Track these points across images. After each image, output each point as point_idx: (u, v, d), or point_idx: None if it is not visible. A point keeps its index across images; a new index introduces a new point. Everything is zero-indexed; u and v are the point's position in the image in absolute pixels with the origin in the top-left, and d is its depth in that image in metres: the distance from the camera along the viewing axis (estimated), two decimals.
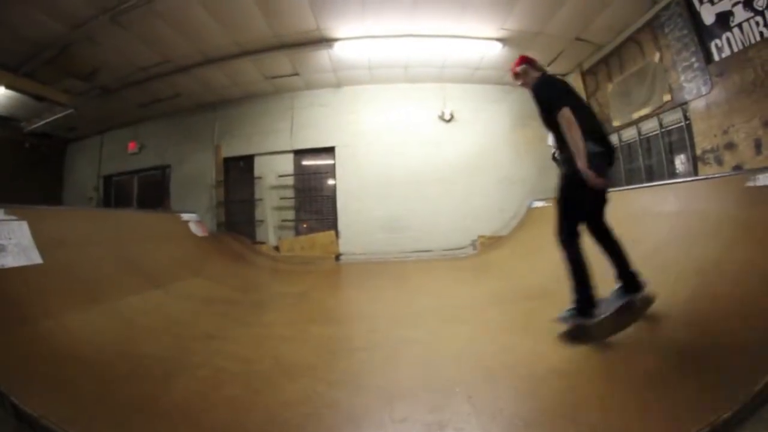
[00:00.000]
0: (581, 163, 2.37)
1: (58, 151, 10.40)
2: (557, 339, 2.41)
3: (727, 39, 4.35)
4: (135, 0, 5.11)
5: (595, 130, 2.57)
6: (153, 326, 2.98)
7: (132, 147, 9.61)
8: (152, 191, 9.58)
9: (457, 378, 2.01)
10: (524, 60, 2.89)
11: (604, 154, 2.51)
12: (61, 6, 5.09)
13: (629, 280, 2.52)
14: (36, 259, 2.88)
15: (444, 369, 2.15)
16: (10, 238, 2.79)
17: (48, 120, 8.58)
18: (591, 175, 2.34)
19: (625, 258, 2.56)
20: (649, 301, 2.48)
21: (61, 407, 1.68)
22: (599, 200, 2.59)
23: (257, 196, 8.75)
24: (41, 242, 3.01)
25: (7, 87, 6.72)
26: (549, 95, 2.66)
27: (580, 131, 2.41)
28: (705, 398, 1.54)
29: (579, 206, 2.57)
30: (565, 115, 2.45)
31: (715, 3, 4.41)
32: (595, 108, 7.16)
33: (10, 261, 2.70)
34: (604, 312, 2.42)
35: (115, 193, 10.04)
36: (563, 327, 2.46)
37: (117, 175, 10.02)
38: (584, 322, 2.41)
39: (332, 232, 8.29)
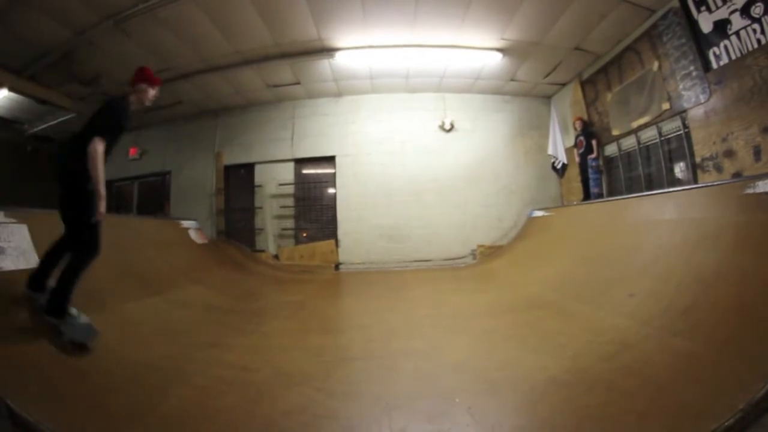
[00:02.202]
0: None
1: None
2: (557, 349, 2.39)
3: (725, 47, 4.38)
4: (138, 7, 5.16)
5: None
6: (151, 334, 2.96)
7: (133, 153, 9.62)
8: (152, 197, 9.58)
9: (457, 388, 1.99)
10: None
11: None
12: (65, 11, 5.13)
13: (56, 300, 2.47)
14: (35, 262, 2.87)
15: (443, 379, 2.13)
16: (9, 241, 2.78)
17: (50, 123, 8.63)
18: None
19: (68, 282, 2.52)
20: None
21: (57, 413, 1.66)
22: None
23: (257, 204, 8.75)
24: (41, 246, 2.99)
25: (11, 89, 6.76)
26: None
27: None
28: (706, 406, 1.52)
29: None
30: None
31: (713, 11, 4.45)
32: (595, 117, 7.19)
33: (9, 264, 2.69)
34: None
35: (115, 199, 10.03)
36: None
37: (117, 181, 10.02)
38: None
39: (332, 241, 8.27)
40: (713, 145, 4.72)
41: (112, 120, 2.61)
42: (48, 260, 2.60)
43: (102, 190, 2.52)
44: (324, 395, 1.99)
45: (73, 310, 2.49)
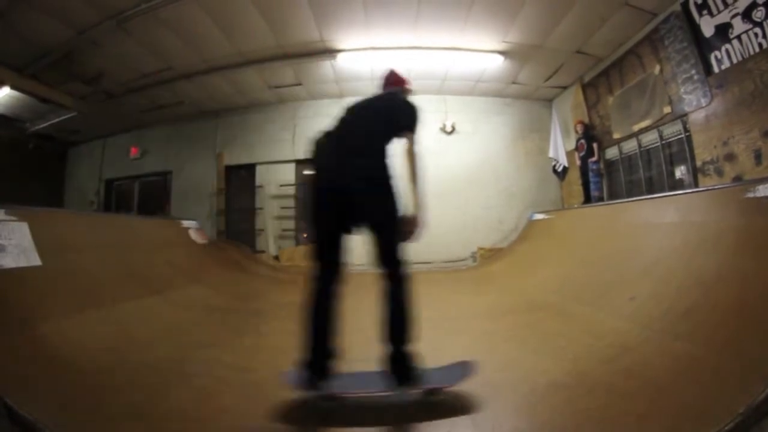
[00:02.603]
0: None
1: (60, 154, 10.46)
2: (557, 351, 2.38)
3: (727, 51, 4.38)
4: (140, 7, 5.18)
5: None
6: (150, 333, 2.95)
7: (134, 152, 9.65)
8: (153, 197, 9.59)
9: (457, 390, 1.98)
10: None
11: None
12: (67, 10, 5.16)
13: (399, 360, 1.92)
14: (35, 261, 2.87)
15: None
16: (10, 239, 2.78)
17: (52, 122, 8.67)
18: None
19: (402, 324, 1.97)
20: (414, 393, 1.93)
21: (56, 412, 1.66)
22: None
23: (258, 205, 8.76)
24: (41, 244, 3.00)
25: (13, 87, 6.79)
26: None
27: None
28: (706, 409, 1.52)
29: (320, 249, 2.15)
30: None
31: (715, 15, 4.46)
32: (596, 120, 7.20)
33: (10, 262, 2.69)
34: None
35: (115, 198, 10.06)
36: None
37: (118, 180, 10.05)
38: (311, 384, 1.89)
39: None
40: (714, 148, 4.72)
41: (418, 120, 2.16)
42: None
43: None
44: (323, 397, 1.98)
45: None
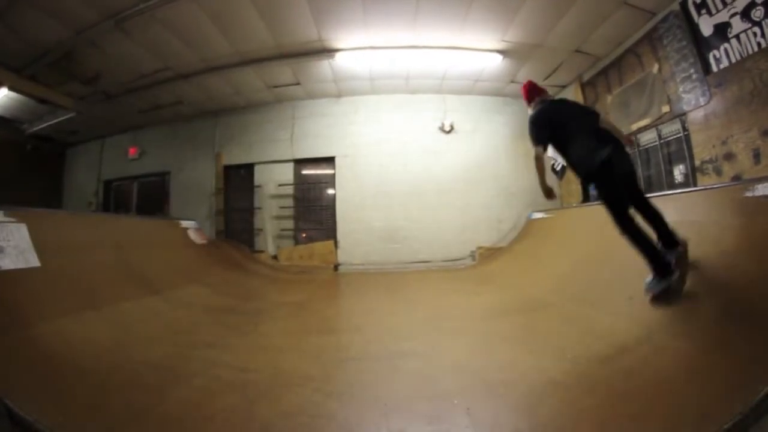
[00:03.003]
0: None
1: (59, 154, 10.44)
2: (556, 353, 2.38)
3: (725, 50, 4.39)
4: (139, 7, 5.16)
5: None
6: (150, 333, 2.95)
7: (132, 152, 9.64)
8: (152, 197, 9.59)
9: (456, 390, 1.98)
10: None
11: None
12: (65, 10, 5.14)
13: (669, 238, 2.76)
14: (34, 262, 2.87)
15: (442, 381, 2.13)
16: (8, 240, 2.77)
17: (50, 123, 8.65)
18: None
19: (665, 222, 2.82)
20: (686, 248, 2.74)
21: (55, 413, 1.66)
22: (623, 185, 2.80)
23: (257, 204, 8.76)
24: (40, 245, 3.00)
25: (11, 88, 6.77)
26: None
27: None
28: (705, 409, 1.52)
29: (610, 197, 2.77)
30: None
31: (713, 14, 4.46)
32: None
33: (8, 263, 2.69)
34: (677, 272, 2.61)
35: (114, 198, 10.05)
36: (650, 294, 2.70)
37: (117, 180, 10.04)
38: (670, 281, 2.56)
39: (331, 242, 8.28)
40: (713, 148, 4.72)
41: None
42: (653, 220, 2.84)
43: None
44: (323, 396, 1.98)
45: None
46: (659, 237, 2.79)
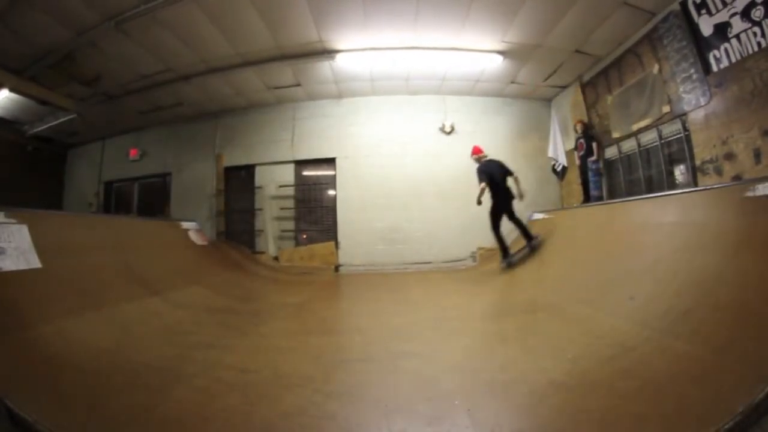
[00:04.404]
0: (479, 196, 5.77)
1: (59, 155, 10.45)
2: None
3: (726, 50, 4.39)
4: (139, 8, 5.17)
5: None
6: (150, 334, 2.96)
7: (133, 154, 9.65)
8: (152, 198, 9.60)
9: (456, 391, 1.98)
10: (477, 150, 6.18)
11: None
12: (66, 12, 5.15)
13: (527, 235, 5.86)
14: (35, 263, 2.87)
15: (442, 381, 2.12)
16: (10, 241, 2.78)
17: (51, 124, 8.66)
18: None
19: (524, 226, 5.91)
20: (540, 241, 5.84)
21: (55, 413, 1.66)
22: (504, 210, 5.85)
23: (257, 205, 8.76)
24: (41, 246, 3.00)
25: (11, 90, 6.78)
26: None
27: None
28: (706, 409, 1.52)
29: (494, 212, 5.86)
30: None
31: (713, 14, 4.46)
32: (595, 120, 7.21)
33: (9, 264, 2.69)
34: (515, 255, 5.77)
35: (115, 200, 10.06)
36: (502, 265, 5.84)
37: (118, 182, 10.05)
38: (510, 260, 5.83)
39: (332, 243, 8.27)
40: (713, 147, 4.72)
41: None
42: (519, 228, 5.94)
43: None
44: (323, 397, 1.98)
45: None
46: (523, 234, 5.90)
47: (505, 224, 5.94)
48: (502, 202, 5.78)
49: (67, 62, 6.28)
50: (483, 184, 5.63)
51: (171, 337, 2.98)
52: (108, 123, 9.07)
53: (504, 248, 5.84)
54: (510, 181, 5.89)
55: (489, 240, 7.99)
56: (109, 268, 3.77)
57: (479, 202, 5.66)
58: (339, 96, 8.58)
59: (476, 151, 6.17)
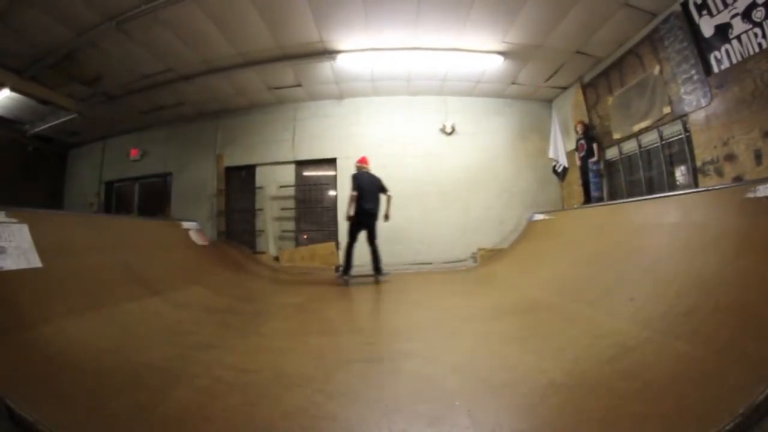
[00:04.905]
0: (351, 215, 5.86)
1: (60, 155, 10.47)
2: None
3: (726, 51, 4.39)
4: (140, 8, 5.18)
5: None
6: (151, 334, 2.95)
7: (134, 154, 9.66)
8: (153, 198, 9.61)
9: (457, 391, 1.98)
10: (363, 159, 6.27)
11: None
12: (67, 11, 5.17)
13: (377, 267, 6.06)
14: (36, 263, 2.87)
15: (443, 382, 2.12)
16: (10, 241, 2.78)
17: (52, 124, 8.69)
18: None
19: (378, 257, 6.05)
20: (387, 279, 6.07)
21: (57, 413, 1.66)
22: (364, 227, 5.98)
23: (258, 206, 8.77)
24: (41, 246, 3.00)
25: (12, 89, 6.80)
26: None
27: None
28: (706, 409, 1.51)
29: (352, 228, 5.96)
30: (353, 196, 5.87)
31: (714, 15, 4.46)
32: (596, 120, 7.21)
33: (10, 264, 2.69)
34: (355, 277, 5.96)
35: (116, 200, 10.07)
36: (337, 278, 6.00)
37: (118, 182, 10.06)
38: (347, 277, 5.87)
39: (332, 244, 8.28)
40: (714, 148, 4.72)
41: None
42: (373, 255, 6.10)
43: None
44: (324, 397, 1.98)
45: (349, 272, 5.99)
46: (373, 262, 6.08)
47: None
48: (365, 218, 5.86)
49: (68, 62, 6.29)
50: (355, 193, 5.73)
51: (171, 337, 2.98)
52: (109, 123, 9.09)
53: (348, 265, 5.93)
54: (383, 200, 6.02)
55: (490, 241, 8.05)
56: (109, 267, 3.77)
57: (348, 217, 5.81)
58: (340, 96, 8.59)
59: (362, 161, 6.25)
